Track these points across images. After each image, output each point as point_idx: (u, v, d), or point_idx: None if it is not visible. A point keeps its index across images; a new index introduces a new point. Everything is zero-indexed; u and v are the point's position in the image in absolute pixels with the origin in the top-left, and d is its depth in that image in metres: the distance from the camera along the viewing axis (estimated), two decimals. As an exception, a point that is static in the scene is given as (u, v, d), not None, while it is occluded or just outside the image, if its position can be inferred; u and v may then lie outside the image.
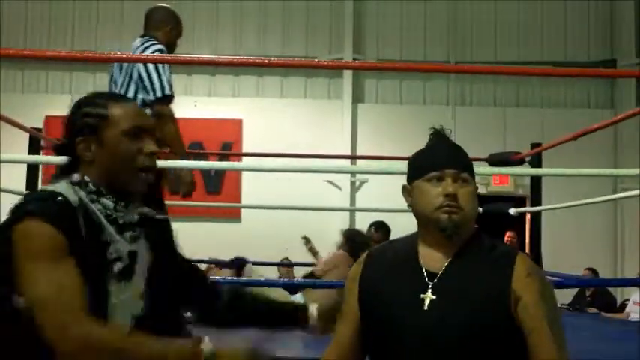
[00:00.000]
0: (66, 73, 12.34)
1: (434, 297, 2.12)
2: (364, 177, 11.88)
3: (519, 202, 9.79)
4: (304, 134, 11.33)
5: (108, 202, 2.03)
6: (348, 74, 12.26)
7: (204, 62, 10.17)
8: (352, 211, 11.48)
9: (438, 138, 2.37)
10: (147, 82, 4.36)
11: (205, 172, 11.80)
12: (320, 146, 9.76)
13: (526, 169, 6.71)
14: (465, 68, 10.79)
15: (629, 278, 9.62)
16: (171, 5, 4.97)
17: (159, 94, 4.36)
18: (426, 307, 2.11)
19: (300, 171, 4.72)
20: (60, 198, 1.97)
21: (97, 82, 12.36)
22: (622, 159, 11.87)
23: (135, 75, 4.43)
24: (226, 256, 9.07)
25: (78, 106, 2.14)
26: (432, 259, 2.19)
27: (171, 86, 4.41)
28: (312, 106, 12.17)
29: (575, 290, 9.55)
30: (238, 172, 11.84)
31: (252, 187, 11.54)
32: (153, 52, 4.47)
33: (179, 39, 4.92)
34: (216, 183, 11.96)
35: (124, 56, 6.68)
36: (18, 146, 7.56)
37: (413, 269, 2.19)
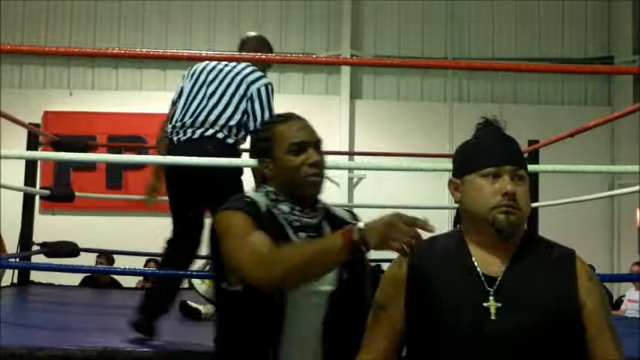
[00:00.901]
0: (64, 69, 12.34)
1: (499, 304, 1.96)
2: (362, 173, 11.91)
3: (516, 198, 9.79)
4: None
5: (285, 207, 2.41)
6: (345, 70, 12.28)
7: (203, 58, 10.15)
8: (350, 207, 11.51)
9: (491, 129, 2.20)
10: (257, 107, 4.35)
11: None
12: (318, 142, 9.72)
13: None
14: (462, 65, 10.82)
15: (626, 274, 9.65)
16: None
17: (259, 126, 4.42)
18: (493, 317, 1.95)
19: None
20: (248, 199, 2.39)
21: (96, 77, 12.38)
22: (619, 156, 11.90)
23: (243, 99, 4.38)
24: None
25: (256, 132, 2.67)
26: (489, 262, 2.04)
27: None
28: (309, 102, 12.15)
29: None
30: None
31: (248, 183, 11.53)
32: (263, 84, 4.48)
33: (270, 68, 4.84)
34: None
35: (122, 52, 6.70)
36: (16, 142, 7.57)
37: (469, 274, 2.02)
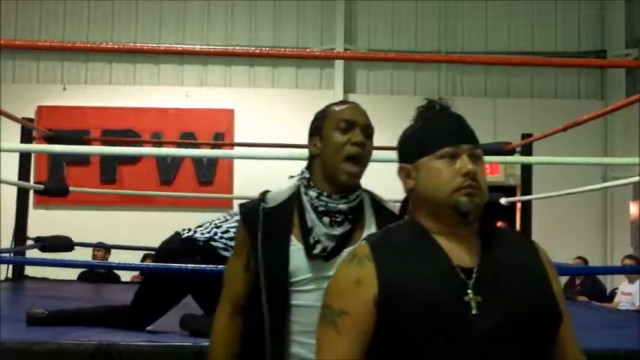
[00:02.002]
0: (57, 63, 12.32)
1: (478, 298, 1.79)
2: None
3: (510, 191, 9.84)
4: (296, 124, 11.31)
5: (313, 192, 2.42)
6: (339, 64, 12.28)
7: (196, 53, 10.19)
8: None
9: (438, 110, 2.04)
10: None
11: (198, 162, 11.85)
12: (311, 136, 9.71)
13: (517, 157, 6.74)
14: (455, 59, 10.80)
15: (619, 266, 9.69)
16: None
17: None
18: (474, 311, 1.78)
19: (293, 158, 4.74)
20: (260, 196, 2.46)
21: (89, 71, 12.37)
22: (612, 149, 11.94)
23: None
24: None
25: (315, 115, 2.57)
26: (460, 254, 1.86)
27: None
28: (303, 96, 12.15)
29: (565, 279, 9.61)
30: (231, 162, 11.87)
31: (244, 177, 11.56)
32: None
33: None
34: (209, 173, 11.99)
35: (116, 46, 6.70)
36: (10, 136, 7.56)
37: (442, 267, 1.84)
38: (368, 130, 2.50)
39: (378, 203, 2.51)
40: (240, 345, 2.40)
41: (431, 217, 1.91)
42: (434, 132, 1.96)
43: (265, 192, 2.47)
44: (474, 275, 1.82)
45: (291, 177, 2.56)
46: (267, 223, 2.38)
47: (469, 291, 1.80)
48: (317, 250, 2.34)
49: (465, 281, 1.81)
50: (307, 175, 2.47)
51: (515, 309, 1.80)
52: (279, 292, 2.32)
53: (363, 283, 1.83)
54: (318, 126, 2.50)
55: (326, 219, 2.38)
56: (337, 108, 2.52)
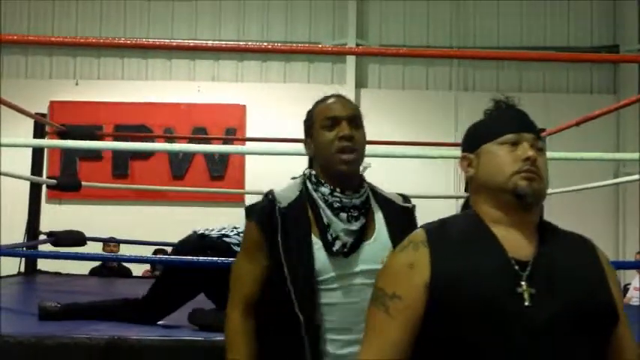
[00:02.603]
0: (70, 59, 12.35)
1: (532, 290, 1.77)
2: (367, 162, 11.88)
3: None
4: (308, 119, 11.30)
5: (325, 189, 2.43)
6: (351, 60, 12.27)
7: (208, 48, 10.18)
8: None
9: (504, 106, 2.05)
10: None
11: (209, 157, 11.87)
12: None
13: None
14: (467, 54, 10.80)
15: (632, 261, 9.66)
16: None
17: None
18: (527, 303, 1.76)
19: (304, 154, 4.72)
20: (270, 196, 2.44)
21: (101, 67, 12.39)
22: (624, 144, 11.89)
23: None
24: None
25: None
26: (516, 245, 1.85)
27: None
28: (315, 91, 11.90)
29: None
30: (242, 157, 11.88)
31: (255, 173, 11.57)
32: None
33: None
34: (220, 168, 12.01)
35: (128, 42, 6.71)
36: (23, 131, 7.60)
37: (496, 258, 1.83)
38: (355, 121, 2.50)
39: (382, 196, 2.55)
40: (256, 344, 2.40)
41: (489, 204, 1.92)
42: (497, 121, 1.98)
43: (271, 191, 2.46)
44: (529, 268, 1.81)
45: (294, 178, 2.56)
46: (284, 222, 2.37)
47: (523, 283, 1.78)
48: (337, 246, 2.34)
49: (519, 273, 1.80)
50: (314, 172, 2.49)
51: (570, 305, 1.78)
52: (308, 292, 2.31)
53: (417, 267, 1.84)
54: (309, 127, 2.55)
55: (343, 215, 2.39)
56: (321, 106, 2.55)
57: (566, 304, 1.78)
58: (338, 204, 2.40)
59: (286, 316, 2.30)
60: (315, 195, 2.42)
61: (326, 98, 2.59)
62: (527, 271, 1.80)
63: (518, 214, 1.87)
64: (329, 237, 2.35)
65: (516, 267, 1.80)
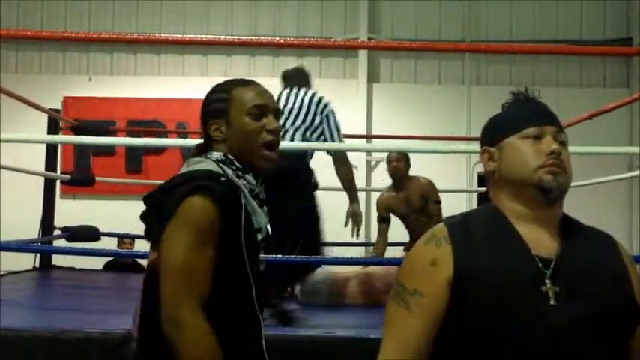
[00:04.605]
0: (83, 55, 12.38)
1: (556, 288, 1.75)
2: (380, 156, 11.89)
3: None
4: (320, 114, 11.31)
5: (251, 178, 2.25)
6: (363, 54, 12.25)
7: (221, 43, 10.20)
8: (368, 191, 11.49)
9: (524, 98, 2.03)
10: (326, 129, 4.98)
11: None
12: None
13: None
14: (480, 48, 10.75)
15: (645, 256, 9.62)
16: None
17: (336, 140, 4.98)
18: (552, 302, 1.74)
19: (316, 149, 4.86)
20: (223, 178, 2.16)
21: (115, 63, 12.42)
22: (637, 138, 11.84)
23: (315, 120, 4.97)
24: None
25: (210, 93, 2.38)
26: (539, 242, 1.82)
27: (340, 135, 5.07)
28: (327, 85, 12.04)
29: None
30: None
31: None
32: (331, 111, 5.08)
33: None
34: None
35: (142, 37, 6.74)
36: (37, 127, 7.64)
37: (520, 255, 1.81)
38: (278, 115, 2.37)
39: None
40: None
41: (512, 199, 1.89)
42: (518, 114, 1.96)
43: (219, 173, 2.20)
44: (552, 266, 1.79)
45: (194, 156, 2.32)
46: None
47: (547, 281, 1.76)
48: (259, 238, 2.27)
49: (543, 271, 1.78)
50: (232, 157, 2.26)
51: (594, 303, 1.76)
52: (257, 276, 2.22)
53: (439, 264, 1.81)
54: (221, 109, 2.31)
55: (265, 208, 2.30)
56: (244, 91, 2.32)
57: (589, 303, 1.76)
58: (262, 196, 2.29)
59: (243, 314, 2.20)
60: (238, 182, 2.21)
61: (246, 82, 2.38)
62: (550, 268, 1.79)
63: (541, 209, 1.86)
64: (255, 226, 2.24)
65: (540, 265, 1.79)
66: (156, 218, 2.21)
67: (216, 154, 2.26)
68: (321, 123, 4.95)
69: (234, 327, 2.15)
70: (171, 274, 2.07)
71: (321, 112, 4.96)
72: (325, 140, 4.94)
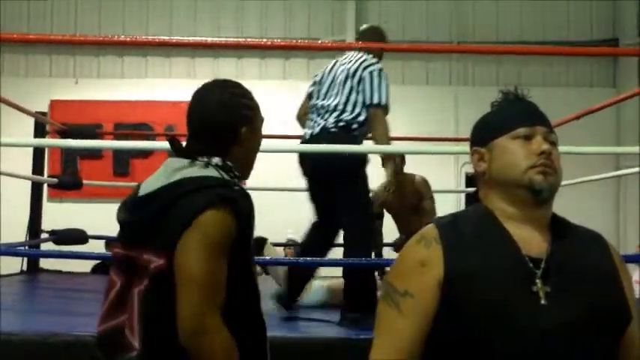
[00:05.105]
0: (70, 57, 12.34)
1: (547, 288, 1.75)
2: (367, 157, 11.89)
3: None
4: (307, 116, 11.31)
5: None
6: (350, 55, 12.24)
7: (208, 45, 10.19)
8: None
9: (513, 98, 2.04)
10: (367, 87, 4.70)
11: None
12: (323, 127, 9.72)
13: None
14: (467, 49, 10.78)
15: (634, 254, 9.66)
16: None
17: (375, 101, 4.67)
18: (543, 302, 1.74)
19: (305, 151, 4.86)
20: (237, 187, 2.21)
21: (101, 65, 12.39)
22: (624, 138, 11.89)
23: (355, 80, 4.79)
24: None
25: (237, 97, 2.42)
26: (529, 242, 1.82)
27: (387, 98, 4.74)
28: (315, 87, 12.13)
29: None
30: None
31: (255, 170, 11.55)
32: (375, 71, 4.78)
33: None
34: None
35: (128, 40, 6.72)
36: (24, 130, 7.61)
37: (510, 255, 1.80)
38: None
39: None
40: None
41: (502, 200, 1.89)
42: (508, 114, 1.96)
43: (234, 181, 2.27)
44: (543, 265, 1.79)
45: (194, 160, 2.27)
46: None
47: (538, 281, 1.76)
48: None
49: (534, 271, 1.78)
50: (230, 164, 2.32)
51: (585, 303, 1.76)
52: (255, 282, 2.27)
53: (429, 265, 1.80)
54: (249, 116, 2.42)
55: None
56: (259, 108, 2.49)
57: (580, 303, 1.76)
58: None
59: (249, 318, 2.23)
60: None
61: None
62: (541, 268, 1.78)
63: (532, 209, 1.86)
64: None
65: (530, 265, 1.78)
66: (163, 222, 2.15)
67: (216, 159, 2.26)
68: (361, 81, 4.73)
69: (242, 331, 2.14)
70: (194, 284, 2.04)
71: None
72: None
